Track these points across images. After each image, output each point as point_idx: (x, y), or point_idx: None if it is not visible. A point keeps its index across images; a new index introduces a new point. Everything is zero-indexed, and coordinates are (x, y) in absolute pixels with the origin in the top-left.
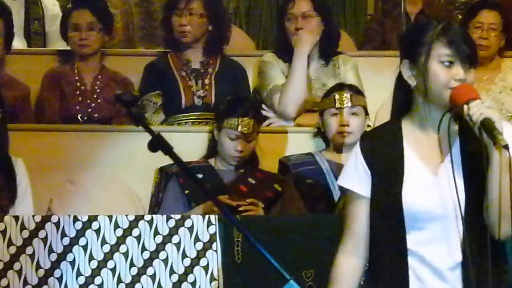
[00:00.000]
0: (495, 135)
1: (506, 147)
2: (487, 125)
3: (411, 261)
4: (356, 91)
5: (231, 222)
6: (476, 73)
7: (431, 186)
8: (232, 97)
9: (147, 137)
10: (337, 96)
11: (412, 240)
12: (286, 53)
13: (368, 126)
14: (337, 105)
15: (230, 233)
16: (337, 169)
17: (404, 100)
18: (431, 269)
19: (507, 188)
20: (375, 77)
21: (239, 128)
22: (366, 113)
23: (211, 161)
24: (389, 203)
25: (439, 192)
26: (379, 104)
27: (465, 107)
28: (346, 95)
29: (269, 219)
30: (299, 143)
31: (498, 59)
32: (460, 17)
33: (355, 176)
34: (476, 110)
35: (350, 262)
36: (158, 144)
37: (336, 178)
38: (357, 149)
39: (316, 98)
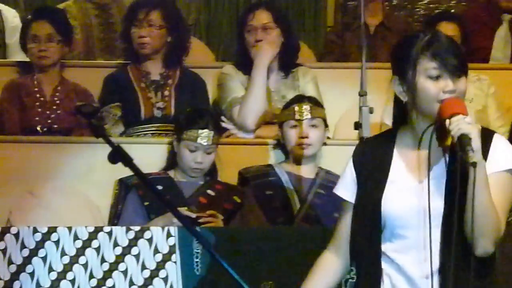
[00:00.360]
0: (466, 151)
1: (473, 164)
2: (462, 141)
3: (387, 268)
4: (316, 103)
5: (190, 234)
6: None
7: (412, 195)
8: (191, 109)
9: (107, 149)
10: (296, 108)
11: (390, 247)
12: (245, 65)
13: (328, 138)
14: (297, 117)
15: (189, 245)
16: (296, 180)
17: (400, 113)
18: (405, 278)
19: (484, 205)
20: (335, 89)
21: (199, 140)
22: (326, 125)
23: (171, 173)
24: (369, 208)
25: (419, 201)
26: (339, 116)
27: (447, 121)
28: (306, 107)
29: (228, 231)
30: (259, 155)
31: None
32: (419, 29)
33: (344, 183)
34: (455, 125)
35: (329, 258)
36: (118, 155)
37: (296, 190)
38: (350, 157)
39: (275, 110)
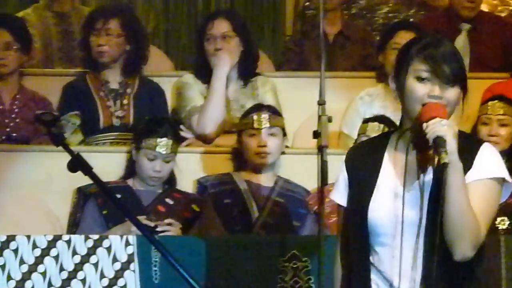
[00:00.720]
0: (439, 152)
1: (444, 165)
2: (437, 144)
3: (374, 276)
4: (274, 112)
5: (149, 242)
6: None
7: (397, 203)
8: (150, 117)
9: (66, 157)
10: (255, 117)
11: (376, 256)
12: (205, 73)
13: (286, 146)
14: (255, 125)
15: (148, 253)
16: (255, 189)
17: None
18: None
19: (461, 208)
20: (294, 98)
21: (157, 148)
22: (284, 134)
23: (129, 182)
24: (357, 214)
25: (405, 210)
26: (298, 125)
27: (424, 124)
28: (264, 115)
29: (187, 239)
30: (217, 163)
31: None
32: (378, 38)
33: (338, 187)
34: (432, 128)
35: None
36: (77, 164)
37: (254, 198)
38: (343, 160)
39: (234, 119)
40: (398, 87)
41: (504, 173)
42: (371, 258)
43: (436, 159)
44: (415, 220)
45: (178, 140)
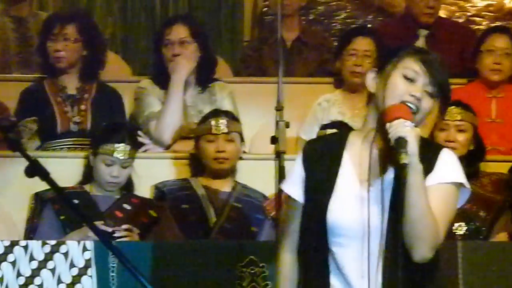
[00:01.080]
0: (400, 153)
1: (403, 165)
2: (399, 144)
3: (333, 278)
4: (232, 118)
5: (106, 248)
6: (351, 99)
7: (359, 204)
8: (108, 123)
9: (23, 163)
10: (213, 123)
11: (334, 257)
12: (162, 79)
13: (244, 152)
14: (214, 131)
15: (105, 259)
16: (212, 194)
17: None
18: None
19: (420, 209)
20: (252, 103)
21: (115, 154)
22: (242, 140)
23: (87, 187)
24: (315, 214)
25: (363, 211)
26: (255, 131)
27: (388, 124)
28: (222, 121)
29: (144, 245)
30: (175, 169)
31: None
32: (336, 43)
33: (292, 181)
34: (394, 128)
35: (292, 258)
36: (34, 169)
37: (212, 204)
38: (299, 154)
39: (192, 125)
40: (379, 78)
41: (463, 179)
42: (329, 259)
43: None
44: (376, 221)
45: (135, 145)
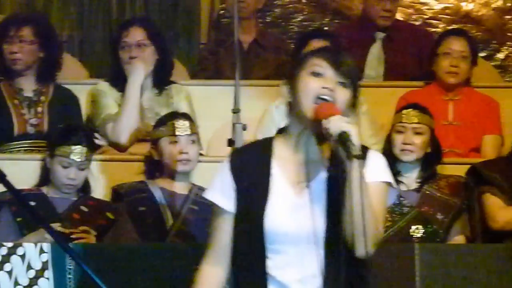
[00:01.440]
0: (349, 146)
1: (358, 156)
2: (343, 138)
3: (270, 285)
4: (190, 120)
5: (63, 250)
6: None
7: (294, 209)
8: (65, 125)
9: None
10: (175, 124)
11: (271, 264)
12: (120, 82)
13: (201, 154)
14: (177, 132)
15: (62, 261)
16: (169, 197)
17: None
18: None
19: (364, 204)
20: (208, 106)
21: (72, 156)
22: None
23: (44, 189)
24: (251, 223)
25: (299, 215)
26: (212, 133)
27: (324, 121)
28: (185, 122)
29: (101, 247)
30: (132, 171)
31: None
32: (293, 46)
33: (220, 190)
34: (334, 124)
35: (212, 271)
36: None
37: (169, 206)
38: (225, 163)
39: (149, 127)
40: (290, 87)
41: (391, 178)
42: (266, 267)
43: (341, 155)
44: (316, 224)
45: (92, 147)
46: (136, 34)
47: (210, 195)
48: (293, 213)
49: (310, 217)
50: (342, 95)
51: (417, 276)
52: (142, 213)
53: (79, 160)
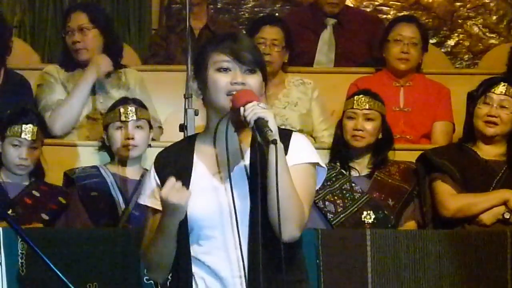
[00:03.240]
0: (265, 132)
1: (273, 141)
2: (259, 125)
3: (199, 271)
4: (140, 105)
5: (16, 234)
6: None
7: (215, 195)
8: (15, 107)
9: None
10: (122, 110)
11: (199, 250)
12: (69, 65)
13: (153, 139)
14: (122, 118)
15: (14, 246)
16: (121, 182)
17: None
18: (218, 279)
19: (287, 187)
20: (160, 91)
21: (23, 135)
22: (150, 127)
23: None
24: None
25: (221, 201)
26: (164, 118)
27: (241, 109)
28: (131, 108)
29: (53, 231)
30: (84, 156)
31: (282, 74)
32: (244, 32)
33: (149, 191)
34: (251, 111)
35: None
36: None
37: (121, 191)
38: (151, 166)
39: (98, 105)
40: (200, 85)
41: (317, 158)
42: (193, 253)
43: (259, 141)
44: (239, 208)
45: (43, 128)
46: (78, 19)
47: (141, 200)
48: (214, 199)
49: (238, 201)
50: (253, 82)
51: (369, 261)
52: (94, 198)
53: (30, 138)
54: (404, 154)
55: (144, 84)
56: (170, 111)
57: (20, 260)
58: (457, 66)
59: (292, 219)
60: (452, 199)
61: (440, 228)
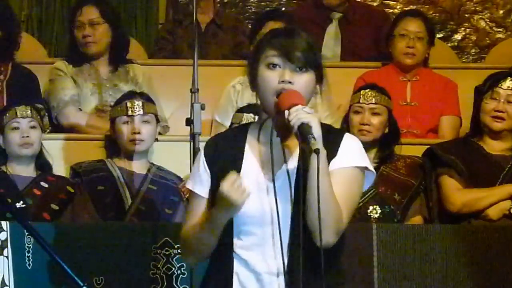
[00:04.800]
0: (308, 139)
1: (316, 151)
2: (303, 130)
3: (236, 265)
4: (147, 99)
5: (23, 228)
6: None
7: (263, 192)
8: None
9: None
10: (128, 104)
11: (239, 244)
12: (77, 59)
13: (159, 134)
14: (129, 112)
15: (21, 239)
16: (128, 176)
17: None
18: (254, 275)
19: (326, 194)
20: (166, 85)
21: (19, 114)
22: (157, 121)
23: (3, 167)
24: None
25: (264, 199)
26: (170, 112)
27: (286, 112)
28: (138, 103)
29: (60, 225)
30: (91, 150)
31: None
32: (250, 26)
33: (196, 177)
34: (295, 116)
35: None
36: None
37: (127, 185)
38: (202, 150)
39: (106, 97)
40: (252, 79)
41: (366, 163)
42: (234, 247)
43: (302, 147)
44: (282, 209)
45: (37, 109)
46: (89, 13)
47: (189, 185)
48: (261, 195)
49: (279, 201)
50: (302, 81)
51: (375, 256)
52: (100, 192)
53: (26, 117)
54: (411, 149)
55: (152, 82)
56: (177, 105)
57: (27, 254)
58: (463, 60)
59: (328, 225)
60: (458, 194)
61: (446, 223)
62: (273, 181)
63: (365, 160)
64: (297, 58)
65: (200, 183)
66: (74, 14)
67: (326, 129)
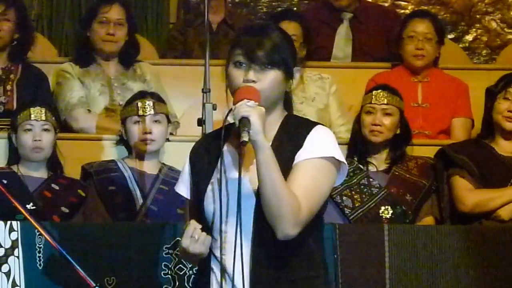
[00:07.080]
0: (241, 131)
1: (242, 143)
2: (241, 124)
3: (214, 265)
4: (158, 99)
5: (34, 228)
6: None
7: (233, 192)
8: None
9: None
10: (139, 104)
11: (214, 244)
12: (83, 57)
13: (171, 134)
14: (140, 112)
15: (32, 240)
16: (139, 176)
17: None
18: (226, 273)
19: (274, 186)
20: (178, 85)
21: (32, 117)
22: (169, 121)
23: (14, 168)
24: (196, 205)
25: (234, 197)
26: (181, 112)
27: (233, 107)
28: (149, 102)
29: (71, 226)
30: (102, 150)
31: (300, 70)
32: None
33: (183, 179)
34: (237, 110)
35: None
36: None
37: (138, 186)
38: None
39: (115, 97)
40: (226, 77)
41: (333, 153)
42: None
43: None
44: (247, 206)
45: (51, 110)
46: (118, 12)
47: (176, 187)
48: (228, 196)
49: (246, 198)
50: (267, 79)
51: (387, 256)
52: (111, 193)
53: (40, 119)
54: (422, 150)
55: (159, 78)
56: (188, 105)
57: (38, 254)
58: (475, 61)
59: (283, 217)
60: (469, 194)
61: (458, 224)
62: (239, 179)
63: (332, 150)
64: (259, 57)
65: (183, 183)
66: (99, 9)
67: (299, 122)
